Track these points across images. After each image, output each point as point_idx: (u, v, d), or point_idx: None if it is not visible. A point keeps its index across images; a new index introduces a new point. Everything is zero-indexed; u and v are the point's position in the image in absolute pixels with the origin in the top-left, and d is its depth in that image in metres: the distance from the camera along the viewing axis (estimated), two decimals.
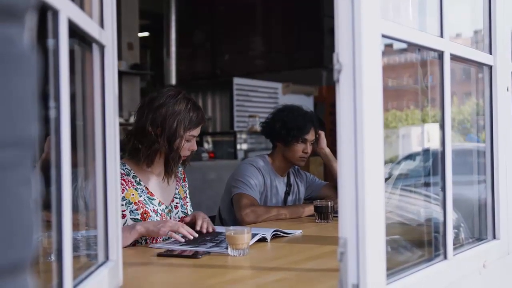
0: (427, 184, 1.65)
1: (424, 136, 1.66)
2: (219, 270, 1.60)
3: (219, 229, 2.12)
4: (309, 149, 2.70)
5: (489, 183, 1.65)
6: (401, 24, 1.23)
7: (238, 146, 6.35)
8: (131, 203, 2.02)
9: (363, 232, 1.01)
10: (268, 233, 1.95)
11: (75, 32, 0.97)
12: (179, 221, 2.15)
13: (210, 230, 2.08)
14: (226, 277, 1.53)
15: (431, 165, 1.57)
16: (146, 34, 8.84)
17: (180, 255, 1.72)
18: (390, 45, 1.29)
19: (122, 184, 2.00)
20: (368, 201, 1.01)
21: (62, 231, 0.86)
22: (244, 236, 1.69)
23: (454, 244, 1.37)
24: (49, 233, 0.95)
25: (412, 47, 1.40)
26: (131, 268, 1.55)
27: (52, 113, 0.85)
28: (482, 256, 1.54)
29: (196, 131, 2.11)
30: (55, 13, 0.85)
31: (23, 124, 0.55)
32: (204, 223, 2.08)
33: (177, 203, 2.20)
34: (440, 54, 1.36)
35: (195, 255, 1.69)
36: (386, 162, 1.14)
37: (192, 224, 2.11)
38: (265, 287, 1.40)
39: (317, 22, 7.67)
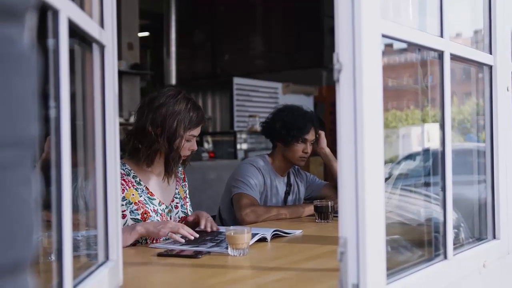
0: (427, 184, 1.65)
1: (424, 136, 1.66)
2: (219, 270, 1.60)
3: (219, 228, 2.12)
4: (309, 149, 2.70)
5: (489, 183, 1.65)
6: (401, 24, 1.23)
7: (238, 146, 6.35)
8: (131, 203, 2.02)
9: (363, 232, 1.01)
10: (268, 233, 1.95)
11: (75, 32, 0.97)
12: (179, 221, 2.15)
13: (214, 229, 2.08)
14: (226, 277, 1.53)
15: (431, 165, 1.57)
16: (146, 34, 8.84)
17: (180, 255, 1.72)
18: (390, 45, 1.28)
19: (122, 184, 2.00)
20: (368, 201, 1.01)
21: (62, 231, 0.86)
22: (244, 236, 1.69)
23: (454, 244, 1.37)
24: (49, 233, 0.96)
25: (412, 47, 1.40)
26: (131, 268, 1.55)
27: (52, 113, 0.85)
28: (482, 256, 1.54)
29: (196, 131, 2.11)
30: (55, 13, 0.85)
31: (23, 124, 0.55)
32: (208, 223, 2.09)
33: (177, 203, 2.20)
34: (440, 54, 1.36)
35: (195, 255, 1.69)
36: (386, 162, 1.13)
37: (194, 224, 2.12)
38: (265, 287, 1.40)
39: (317, 22, 7.68)
